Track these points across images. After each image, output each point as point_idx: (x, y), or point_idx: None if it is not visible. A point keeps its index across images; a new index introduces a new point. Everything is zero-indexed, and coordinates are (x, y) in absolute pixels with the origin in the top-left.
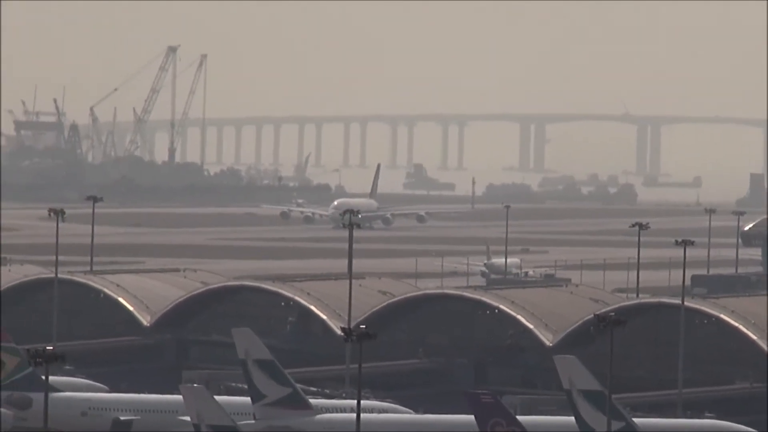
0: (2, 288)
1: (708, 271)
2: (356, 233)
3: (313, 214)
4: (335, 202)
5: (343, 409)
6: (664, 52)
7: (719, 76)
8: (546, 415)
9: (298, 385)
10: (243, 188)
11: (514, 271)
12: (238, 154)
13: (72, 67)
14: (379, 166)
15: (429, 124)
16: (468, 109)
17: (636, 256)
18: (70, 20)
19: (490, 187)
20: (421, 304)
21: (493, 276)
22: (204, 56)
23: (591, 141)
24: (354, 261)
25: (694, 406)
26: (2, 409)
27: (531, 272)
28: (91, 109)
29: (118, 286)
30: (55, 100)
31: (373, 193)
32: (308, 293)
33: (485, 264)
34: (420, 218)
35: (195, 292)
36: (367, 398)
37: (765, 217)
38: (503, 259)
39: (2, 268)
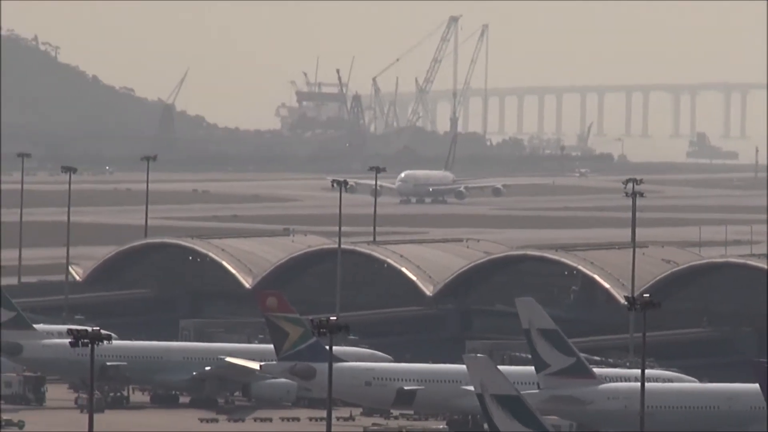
0: (286, 258)
1: None
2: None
3: (380, 187)
4: (402, 174)
5: (627, 379)
6: None
7: None
8: None
9: (582, 355)
10: (526, 158)
11: None
12: (520, 124)
13: (354, 38)
14: (455, 136)
15: (711, 92)
16: (751, 77)
17: None
18: None
19: None
20: (705, 273)
21: None
22: (485, 26)
23: None
24: (636, 230)
25: None
26: (285, 380)
27: None
28: (374, 79)
29: (401, 256)
30: (337, 71)
31: (448, 165)
32: (591, 262)
33: None
34: (496, 191)
35: (478, 262)
36: (652, 367)
37: None
38: None
39: (286, 238)
